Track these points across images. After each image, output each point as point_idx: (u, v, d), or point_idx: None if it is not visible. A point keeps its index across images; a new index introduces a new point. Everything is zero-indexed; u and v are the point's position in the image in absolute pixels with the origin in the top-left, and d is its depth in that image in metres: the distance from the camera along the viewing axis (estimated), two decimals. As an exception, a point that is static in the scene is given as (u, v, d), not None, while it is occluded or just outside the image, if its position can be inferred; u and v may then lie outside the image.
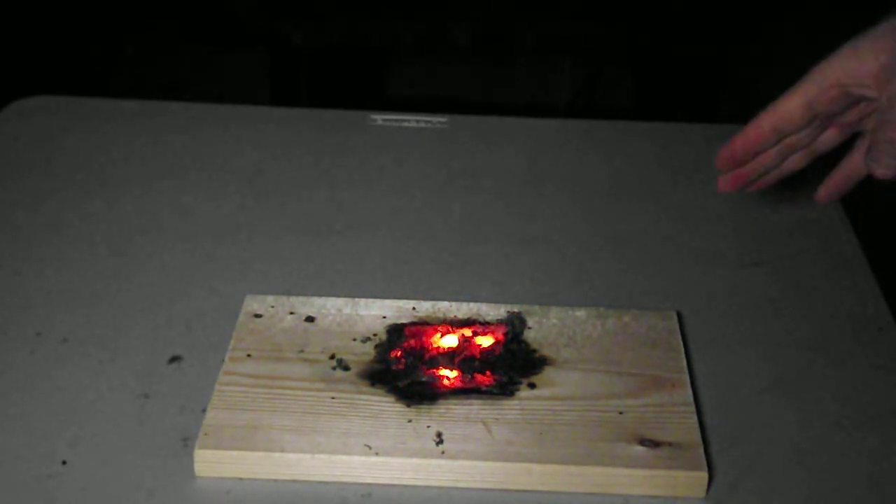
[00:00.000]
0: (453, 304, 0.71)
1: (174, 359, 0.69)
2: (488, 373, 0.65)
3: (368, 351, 0.67)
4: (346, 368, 0.65)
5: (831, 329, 0.74)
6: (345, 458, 0.60)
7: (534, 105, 1.90)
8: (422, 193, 0.89)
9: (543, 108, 1.91)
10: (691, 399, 0.65)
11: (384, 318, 0.70)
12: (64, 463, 0.61)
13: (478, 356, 0.66)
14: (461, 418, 0.62)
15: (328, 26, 1.68)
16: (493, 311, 0.70)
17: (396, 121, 0.99)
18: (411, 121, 1.00)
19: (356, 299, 0.71)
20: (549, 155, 0.96)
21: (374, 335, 0.68)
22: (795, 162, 0.68)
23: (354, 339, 0.68)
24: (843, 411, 0.67)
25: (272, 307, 0.70)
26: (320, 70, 1.83)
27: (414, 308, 0.70)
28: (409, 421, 0.62)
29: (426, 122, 0.99)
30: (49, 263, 0.78)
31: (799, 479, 0.62)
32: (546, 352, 0.67)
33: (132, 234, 0.82)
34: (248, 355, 0.66)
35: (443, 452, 0.60)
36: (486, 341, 0.68)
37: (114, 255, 0.80)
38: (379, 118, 1.00)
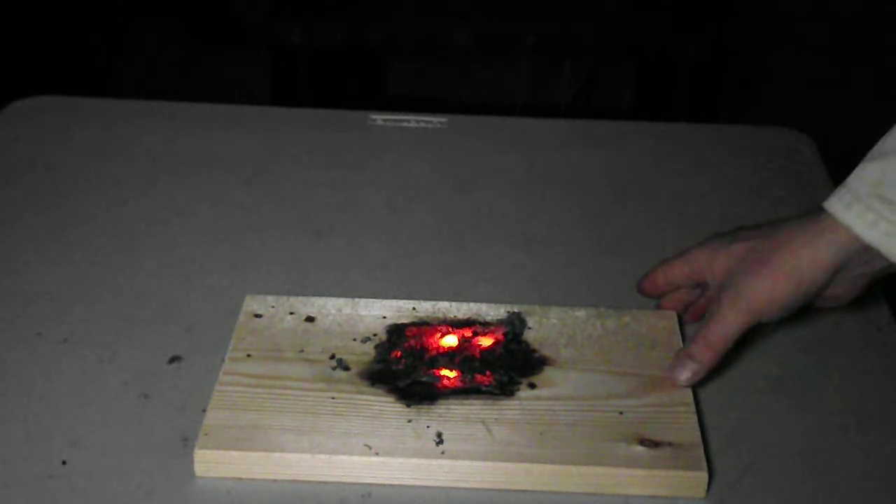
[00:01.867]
0: (453, 304, 0.71)
1: (174, 359, 0.69)
2: (488, 373, 0.65)
3: (368, 351, 0.67)
4: (347, 368, 0.65)
5: (831, 329, 0.74)
6: (345, 458, 0.60)
7: (534, 105, 1.90)
8: (422, 193, 0.89)
9: (543, 108, 1.91)
10: (691, 399, 0.65)
11: (384, 318, 0.70)
12: (64, 463, 0.61)
13: (478, 356, 0.66)
14: (461, 418, 0.62)
15: (328, 26, 1.68)
16: (493, 312, 0.70)
17: (396, 121, 0.99)
18: (411, 121, 1.00)
19: (356, 299, 0.71)
20: (549, 155, 0.96)
21: (375, 335, 0.68)
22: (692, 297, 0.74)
23: (354, 339, 0.68)
24: (843, 411, 0.67)
25: (272, 307, 0.70)
26: (320, 70, 1.83)
27: (414, 308, 0.70)
28: (409, 421, 0.62)
29: (426, 122, 0.99)
30: (49, 263, 0.78)
31: (799, 479, 0.62)
32: (546, 352, 0.67)
33: (132, 234, 0.82)
34: (249, 355, 0.66)
35: (443, 452, 0.60)
36: (486, 341, 0.68)
37: (114, 255, 0.80)
38: (379, 118, 1.00)
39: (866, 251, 0.62)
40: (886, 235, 0.60)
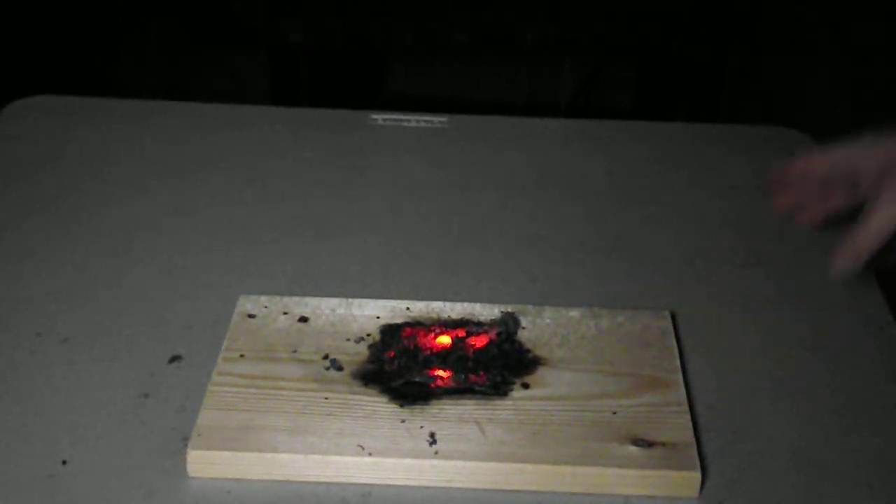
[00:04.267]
0: (447, 304, 0.71)
1: (174, 359, 0.69)
2: (482, 373, 0.65)
3: (362, 351, 0.67)
4: (340, 368, 0.66)
5: (831, 329, 0.74)
6: (338, 458, 0.60)
7: (534, 105, 1.90)
8: (421, 193, 0.90)
9: (543, 108, 1.91)
10: (684, 399, 0.65)
11: (378, 318, 0.70)
12: (64, 463, 0.61)
13: (471, 356, 0.66)
14: (454, 418, 0.62)
15: (328, 26, 1.68)
16: (486, 311, 0.70)
17: (396, 121, 1.00)
18: (411, 121, 1.00)
19: (350, 299, 0.71)
20: (549, 155, 0.96)
21: (368, 335, 0.68)
22: (840, 197, 0.73)
23: (348, 339, 0.68)
24: (842, 411, 0.67)
25: (266, 307, 0.70)
26: (320, 70, 1.83)
27: (408, 308, 0.70)
28: (403, 421, 0.62)
29: (426, 122, 1.00)
30: (49, 263, 0.79)
31: (796, 479, 0.62)
32: (540, 352, 0.67)
33: (132, 234, 0.82)
34: (242, 355, 0.67)
35: (436, 453, 0.60)
36: (479, 341, 0.68)
37: (114, 255, 0.80)
38: (379, 118, 1.00)
39: None
40: None
